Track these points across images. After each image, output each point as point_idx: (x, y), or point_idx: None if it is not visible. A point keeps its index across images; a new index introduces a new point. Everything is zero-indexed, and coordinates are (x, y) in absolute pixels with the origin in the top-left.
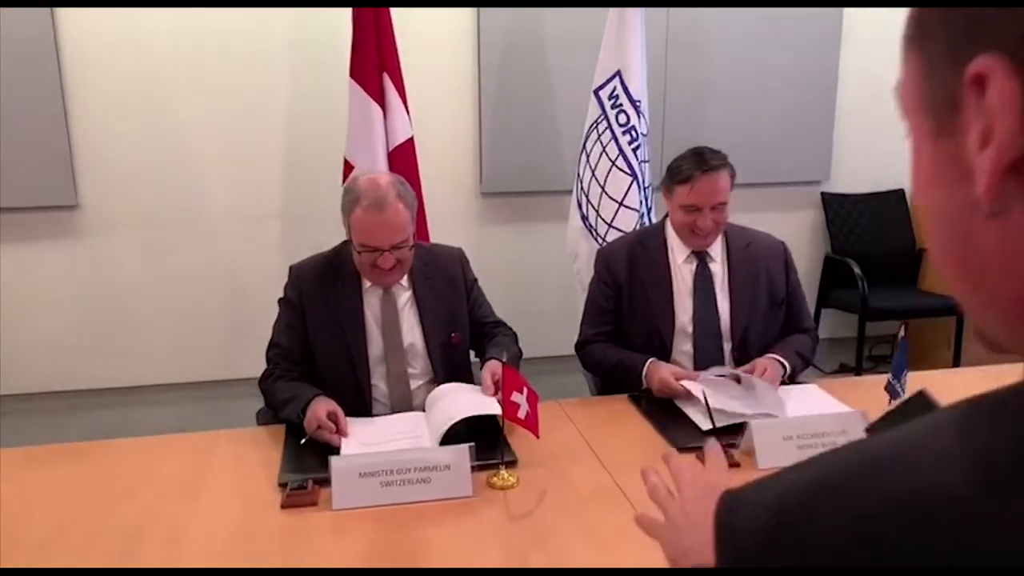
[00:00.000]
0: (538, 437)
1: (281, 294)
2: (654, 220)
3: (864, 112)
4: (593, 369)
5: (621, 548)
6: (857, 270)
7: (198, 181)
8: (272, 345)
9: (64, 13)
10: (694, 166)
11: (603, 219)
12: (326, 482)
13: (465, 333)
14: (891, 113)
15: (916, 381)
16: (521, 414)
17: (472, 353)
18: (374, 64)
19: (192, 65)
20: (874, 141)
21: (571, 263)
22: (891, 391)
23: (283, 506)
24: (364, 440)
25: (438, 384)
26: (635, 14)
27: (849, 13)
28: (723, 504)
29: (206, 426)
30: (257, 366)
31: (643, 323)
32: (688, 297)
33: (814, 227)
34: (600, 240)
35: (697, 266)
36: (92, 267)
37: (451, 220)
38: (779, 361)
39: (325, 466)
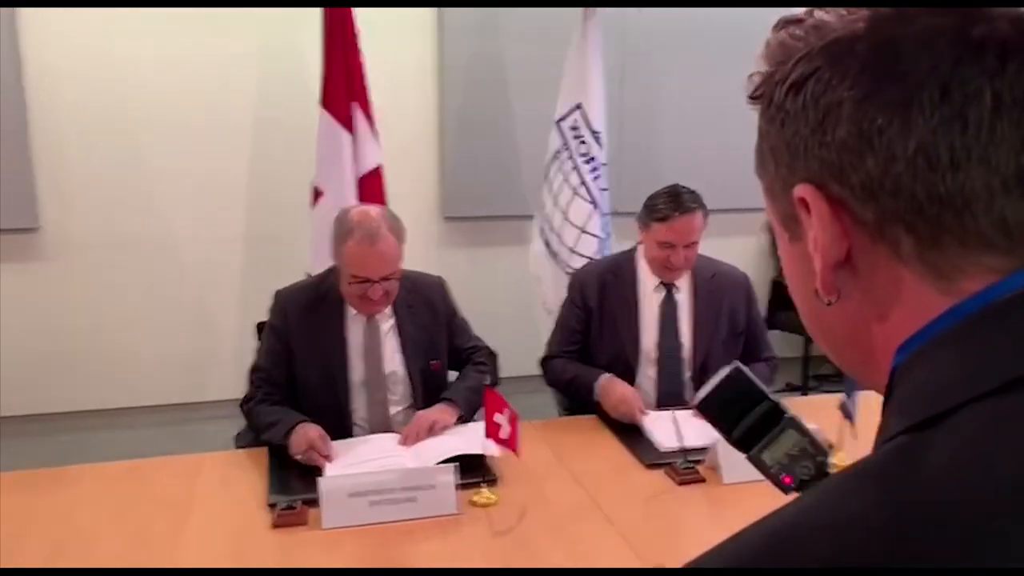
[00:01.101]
0: (519, 457)
1: (248, 317)
2: (613, 246)
3: None
4: (553, 381)
5: (601, 561)
6: None
7: (160, 204)
8: (255, 368)
9: (29, 35)
10: (672, 206)
11: (565, 245)
12: (314, 502)
13: (444, 360)
14: None
15: (863, 400)
16: (503, 434)
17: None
18: (344, 93)
19: (156, 88)
20: None
21: (534, 286)
22: (844, 410)
23: (274, 526)
24: (347, 461)
25: (417, 410)
26: (594, 49)
27: None
28: None
29: (170, 450)
30: (222, 389)
31: (610, 347)
32: (654, 325)
33: (761, 252)
34: (563, 265)
35: (664, 295)
36: (53, 290)
37: (414, 243)
38: None
39: (311, 487)
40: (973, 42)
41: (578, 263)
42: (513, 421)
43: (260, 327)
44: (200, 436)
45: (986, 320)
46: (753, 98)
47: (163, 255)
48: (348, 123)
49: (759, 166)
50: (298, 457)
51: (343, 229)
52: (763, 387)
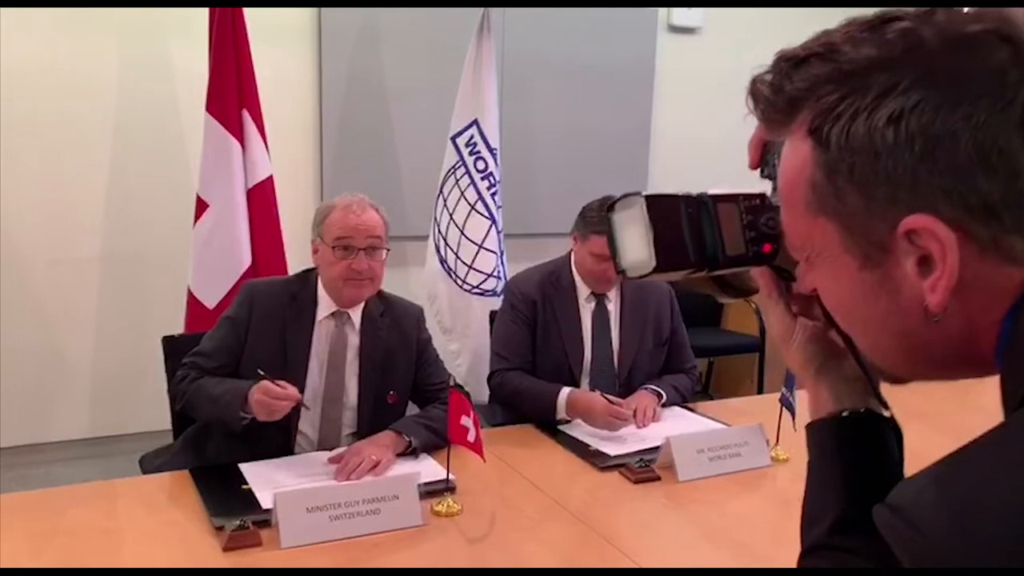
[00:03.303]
0: (484, 460)
1: (108, 347)
2: (506, 263)
3: (673, 162)
4: (506, 397)
5: (587, 559)
6: None
7: (7, 222)
8: (196, 353)
9: None
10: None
11: (463, 261)
12: (264, 523)
13: (405, 394)
14: (695, 163)
15: (733, 407)
16: (470, 437)
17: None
18: (234, 98)
19: (10, 96)
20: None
21: (428, 305)
22: (785, 403)
23: (226, 549)
24: (279, 483)
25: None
26: (489, 67)
27: (660, 71)
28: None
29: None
30: (70, 428)
31: (553, 358)
32: (588, 335)
33: None
34: (459, 281)
35: (596, 305)
36: None
37: (297, 263)
38: (654, 391)
39: (252, 507)
40: None
41: (476, 279)
42: (476, 424)
43: (168, 340)
44: (47, 478)
45: None
46: (811, 132)
47: (8, 279)
48: (238, 130)
49: (819, 210)
50: (263, 416)
51: (326, 207)
52: (672, 193)
